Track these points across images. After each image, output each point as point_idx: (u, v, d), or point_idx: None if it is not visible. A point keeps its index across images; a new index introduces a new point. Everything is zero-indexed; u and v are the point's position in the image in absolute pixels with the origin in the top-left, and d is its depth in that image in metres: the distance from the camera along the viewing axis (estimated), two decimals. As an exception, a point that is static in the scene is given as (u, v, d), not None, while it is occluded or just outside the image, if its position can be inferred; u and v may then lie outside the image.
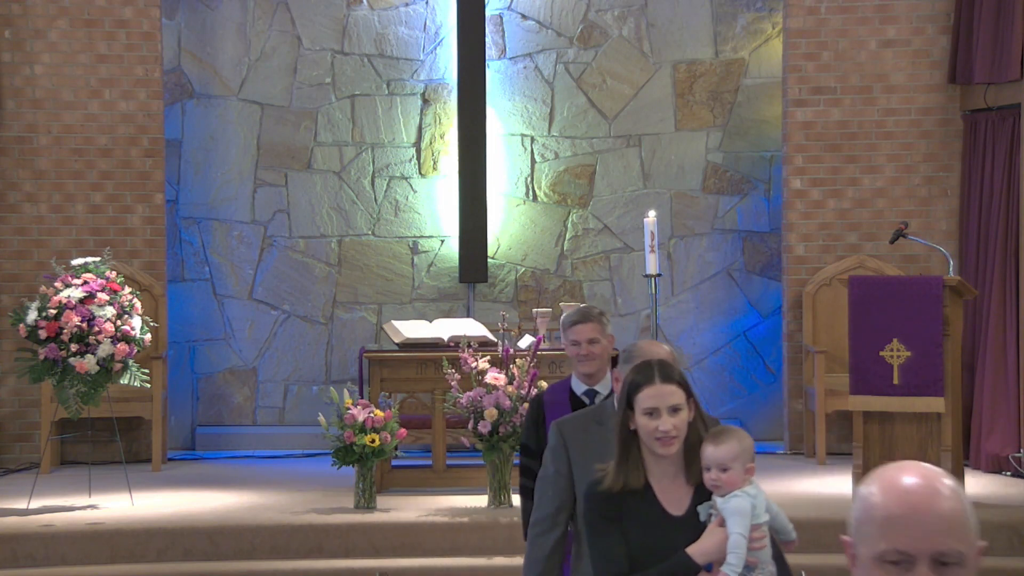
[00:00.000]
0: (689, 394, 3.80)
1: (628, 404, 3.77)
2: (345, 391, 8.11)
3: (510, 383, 7.63)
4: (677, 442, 3.75)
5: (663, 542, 3.73)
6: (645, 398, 3.73)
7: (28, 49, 9.66)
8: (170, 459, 9.76)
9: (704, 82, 10.44)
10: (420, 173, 10.42)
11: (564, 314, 5.61)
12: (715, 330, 10.40)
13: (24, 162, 9.68)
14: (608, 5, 10.44)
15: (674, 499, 3.80)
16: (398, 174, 10.43)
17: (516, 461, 7.80)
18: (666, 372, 3.78)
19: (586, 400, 5.34)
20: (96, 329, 7.64)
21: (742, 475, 3.78)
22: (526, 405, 7.55)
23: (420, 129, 10.44)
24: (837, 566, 6.87)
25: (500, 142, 10.40)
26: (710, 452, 3.75)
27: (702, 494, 3.80)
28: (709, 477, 3.76)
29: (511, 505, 7.72)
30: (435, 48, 10.44)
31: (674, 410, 3.74)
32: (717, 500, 3.77)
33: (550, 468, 4.40)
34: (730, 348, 10.38)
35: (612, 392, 5.44)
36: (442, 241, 10.40)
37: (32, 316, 7.68)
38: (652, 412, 3.72)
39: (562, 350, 8.52)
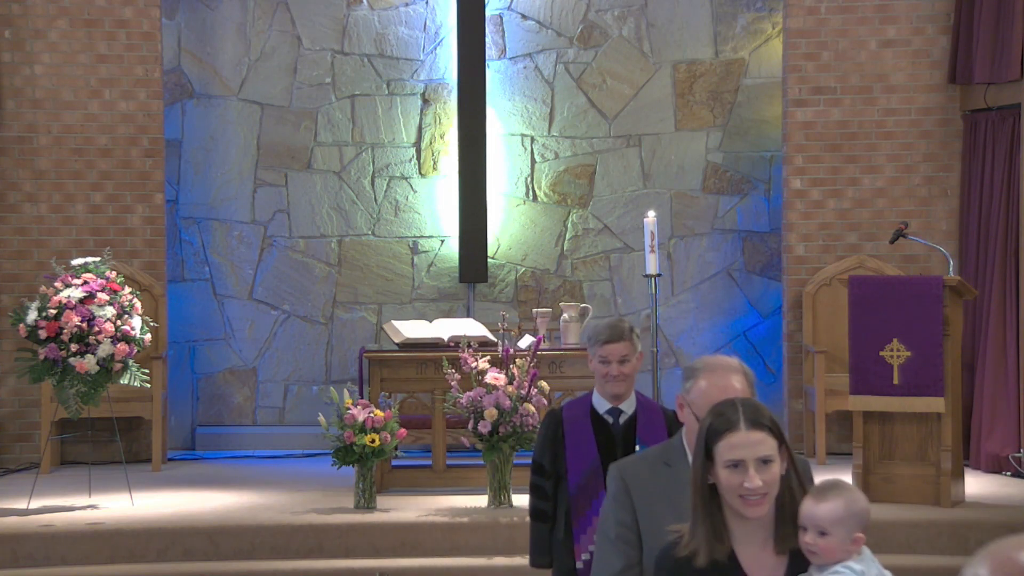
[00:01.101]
0: (781, 441, 3.11)
1: (707, 454, 3.09)
2: (345, 391, 8.11)
3: (510, 383, 7.63)
4: (767, 501, 3.08)
5: None
6: (728, 448, 3.05)
7: (28, 49, 9.66)
8: (170, 459, 9.76)
9: (704, 82, 10.44)
10: (420, 173, 10.42)
11: (592, 327, 5.17)
12: (715, 330, 10.40)
13: (24, 162, 9.68)
14: (608, 5, 10.44)
15: (764, 570, 3.14)
16: (398, 174, 10.43)
17: (517, 461, 7.81)
18: (754, 415, 3.08)
19: (609, 419, 5.05)
20: (96, 329, 7.64)
21: (846, 543, 3.12)
22: (526, 405, 7.56)
23: (420, 129, 10.44)
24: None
25: (500, 142, 10.40)
26: (808, 509, 3.11)
27: (798, 564, 3.15)
28: (804, 540, 3.12)
29: (511, 505, 7.71)
30: (435, 48, 10.44)
31: (764, 462, 3.05)
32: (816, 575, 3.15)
33: (611, 520, 3.73)
34: (730, 348, 10.37)
35: (638, 412, 5.08)
36: (442, 241, 10.40)
37: (32, 316, 7.68)
38: (737, 465, 3.04)
39: (562, 350, 8.55)
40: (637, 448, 4.99)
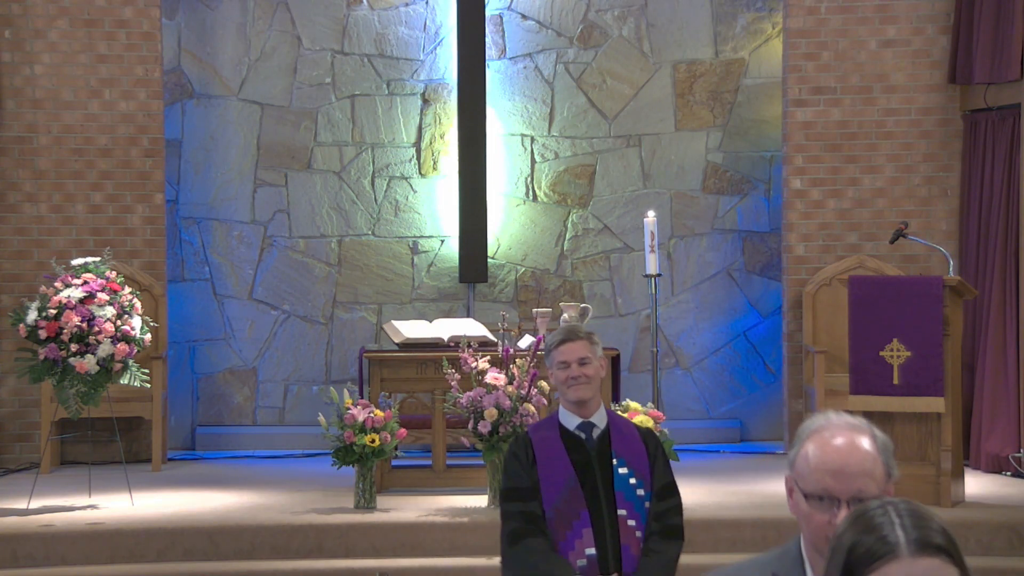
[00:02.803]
0: (962, 567, 2.15)
1: None
2: (345, 391, 8.11)
3: (510, 383, 7.62)
4: None
5: None
6: None
7: (28, 49, 9.66)
8: (170, 459, 9.76)
9: (704, 82, 10.44)
10: (420, 173, 10.42)
11: (548, 338, 4.86)
12: (715, 330, 10.40)
13: (24, 162, 9.68)
14: (608, 5, 10.44)
15: None
16: (398, 174, 10.43)
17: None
18: (922, 532, 2.13)
19: (580, 435, 4.69)
20: (96, 329, 7.64)
21: None
22: (526, 405, 7.56)
23: (420, 129, 10.44)
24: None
25: (500, 142, 10.40)
26: None
27: None
28: None
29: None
30: (435, 48, 10.44)
31: None
32: None
33: None
34: (730, 348, 10.38)
35: (611, 426, 4.73)
36: (442, 241, 10.40)
37: (32, 316, 7.68)
38: None
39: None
40: (614, 463, 4.70)
